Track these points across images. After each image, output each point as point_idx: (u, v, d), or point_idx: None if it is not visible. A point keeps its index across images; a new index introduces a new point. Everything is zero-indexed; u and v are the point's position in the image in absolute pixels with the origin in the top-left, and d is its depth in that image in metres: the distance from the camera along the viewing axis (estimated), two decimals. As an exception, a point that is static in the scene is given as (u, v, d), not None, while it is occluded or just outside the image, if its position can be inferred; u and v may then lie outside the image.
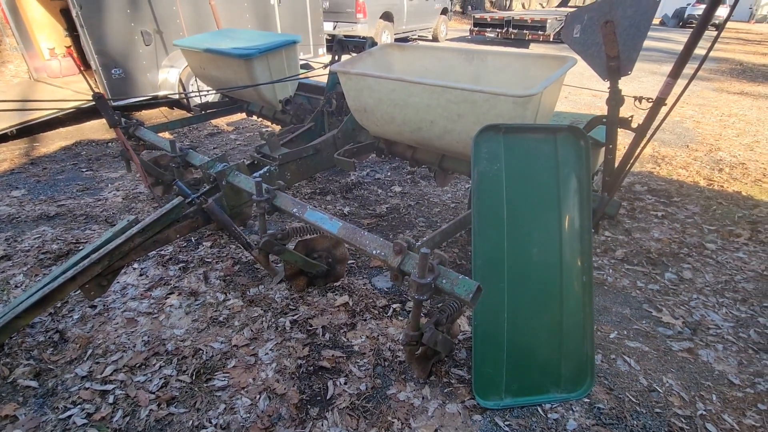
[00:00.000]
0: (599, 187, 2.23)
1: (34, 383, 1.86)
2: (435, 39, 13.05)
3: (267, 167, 2.61)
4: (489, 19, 12.43)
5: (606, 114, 2.03)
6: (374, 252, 1.72)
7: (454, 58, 2.39)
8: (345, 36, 3.12)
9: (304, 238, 2.38)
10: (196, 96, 5.39)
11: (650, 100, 1.90)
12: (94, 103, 4.83)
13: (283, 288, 2.50)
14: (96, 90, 4.40)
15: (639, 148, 1.97)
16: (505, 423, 1.73)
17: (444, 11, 12.95)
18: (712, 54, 12.51)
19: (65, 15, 6.20)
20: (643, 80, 8.66)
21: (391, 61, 2.61)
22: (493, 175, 1.73)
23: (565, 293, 1.80)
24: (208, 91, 4.06)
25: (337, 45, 3.01)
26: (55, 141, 4.92)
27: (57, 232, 3.03)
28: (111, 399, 1.80)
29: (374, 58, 2.52)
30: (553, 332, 1.81)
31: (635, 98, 1.95)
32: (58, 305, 2.31)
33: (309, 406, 1.79)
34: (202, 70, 3.44)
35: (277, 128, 4.21)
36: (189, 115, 3.79)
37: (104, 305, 2.33)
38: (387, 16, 10.37)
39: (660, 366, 2.02)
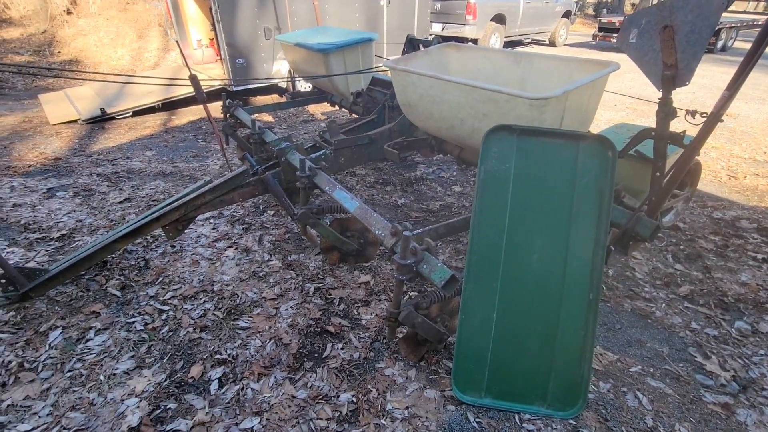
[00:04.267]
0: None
1: (118, 293, 2.42)
2: (552, 44, 12.30)
3: (323, 150, 2.91)
4: (618, 23, 11.26)
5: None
6: (377, 232, 1.87)
7: (504, 60, 2.37)
8: (436, 36, 3.26)
9: (340, 216, 2.61)
10: (299, 84, 6.02)
11: (704, 115, 1.69)
12: (218, 86, 5.67)
13: (318, 259, 2.78)
14: (223, 76, 5.16)
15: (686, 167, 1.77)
16: (476, 419, 1.74)
17: (567, 14, 12.12)
18: None
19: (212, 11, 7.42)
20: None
21: (449, 60, 2.69)
22: (501, 174, 1.74)
23: (565, 307, 1.73)
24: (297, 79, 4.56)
25: (408, 43, 3.17)
26: (186, 116, 5.98)
27: (166, 186, 3.76)
28: (164, 317, 2.27)
29: (431, 57, 2.62)
30: (545, 344, 1.75)
31: (687, 111, 1.76)
32: (150, 240, 2.92)
33: (305, 360, 2.03)
34: (295, 62, 3.90)
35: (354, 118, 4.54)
36: (281, 101, 4.31)
37: (181, 247, 2.88)
38: (499, 18, 10.12)
39: (678, 412, 1.80)
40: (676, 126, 1.90)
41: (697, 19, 1.67)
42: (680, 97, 6.79)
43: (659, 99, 1.80)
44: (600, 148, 1.72)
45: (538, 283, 1.74)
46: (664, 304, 2.49)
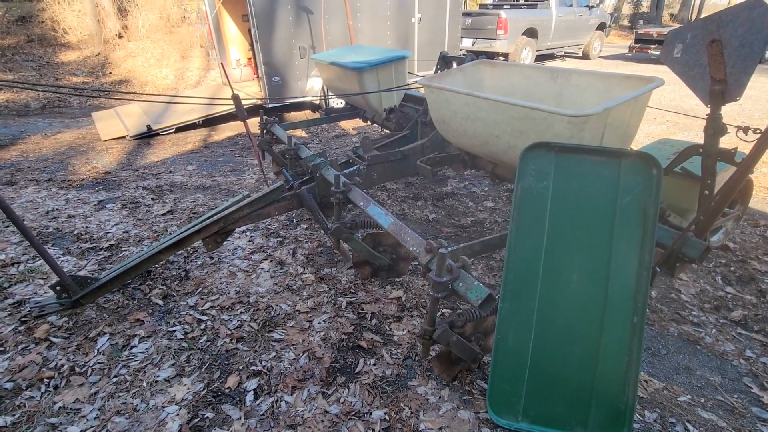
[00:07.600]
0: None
1: (160, 302, 2.53)
2: (586, 56, 12.08)
3: (357, 166, 2.96)
4: (656, 35, 10.94)
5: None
6: (411, 248, 1.87)
7: (540, 76, 2.35)
8: (468, 52, 3.30)
9: (373, 231, 2.63)
10: (332, 100, 6.18)
11: (757, 131, 1.61)
12: (256, 103, 5.88)
13: (350, 273, 2.80)
14: (260, 93, 5.37)
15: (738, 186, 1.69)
16: (512, 444, 1.69)
17: (601, 26, 11.89)
18: None
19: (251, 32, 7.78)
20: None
21: (483, 77, 2.69)
22: (539, 192, 1.71)
23: (607, 330, 1.67)
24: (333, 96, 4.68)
25: (441, 60, 3.20)
26: (225, 131, 6.23)
27: (206, 199, 3.92)
28: (202, 326, 2.34)
29: (465, 74, 2.64)
30: (585, 368, 1.68)
31: (738, 128, 1.68)
32: (191, 251, 3.04)
33: (338, 374, 2.04)
34: (329, 80, 4.01)
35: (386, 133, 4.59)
36: (315, 116, 4.42)
37: (218, 258, 2.98)
38: (530, 33, 10.06)
39: (733, 448, 1.68)
40: (724, 142, 1.82)
41: (747, 33, 1.61)
42: (725, 109, 6.48)
43: (707, 115, 1.74)
44: (644, 165, 1.66)
45: (578, 304, 1.69)
46: (714, 330, 2.34)
